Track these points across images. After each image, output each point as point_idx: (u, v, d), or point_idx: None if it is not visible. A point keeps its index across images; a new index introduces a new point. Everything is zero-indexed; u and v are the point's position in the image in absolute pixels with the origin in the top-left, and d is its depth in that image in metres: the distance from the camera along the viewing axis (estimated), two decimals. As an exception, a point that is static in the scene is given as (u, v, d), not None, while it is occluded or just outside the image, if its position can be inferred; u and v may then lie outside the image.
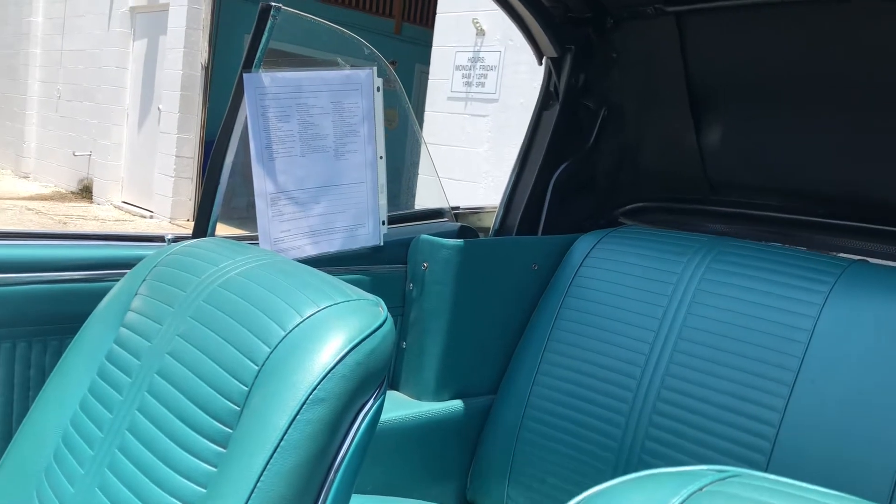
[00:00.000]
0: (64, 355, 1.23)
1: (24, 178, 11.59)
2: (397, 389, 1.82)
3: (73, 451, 1.10)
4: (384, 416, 1.66)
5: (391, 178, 1.74)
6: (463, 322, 1.77)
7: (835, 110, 1.65)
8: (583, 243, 1.86)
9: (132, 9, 9.45)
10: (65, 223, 8.22)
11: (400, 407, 1.75)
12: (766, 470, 1.40)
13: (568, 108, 1.91)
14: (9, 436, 1.23)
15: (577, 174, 1.96)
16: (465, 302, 1.76)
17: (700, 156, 1.87)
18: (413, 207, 2.01)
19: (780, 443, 1.40)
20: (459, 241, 1.74)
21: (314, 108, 1.53)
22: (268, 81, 1.49)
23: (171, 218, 8.52)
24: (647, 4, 1.71)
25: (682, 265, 1.66)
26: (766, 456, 1.41)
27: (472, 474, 1.84)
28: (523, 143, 1.96)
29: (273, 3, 1.48)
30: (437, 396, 1.78)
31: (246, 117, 1.50)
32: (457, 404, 1.80)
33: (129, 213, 9.25)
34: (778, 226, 1.86)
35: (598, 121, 1.95)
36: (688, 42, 1.73)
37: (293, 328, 0.97)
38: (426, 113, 6.18)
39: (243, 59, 1.47)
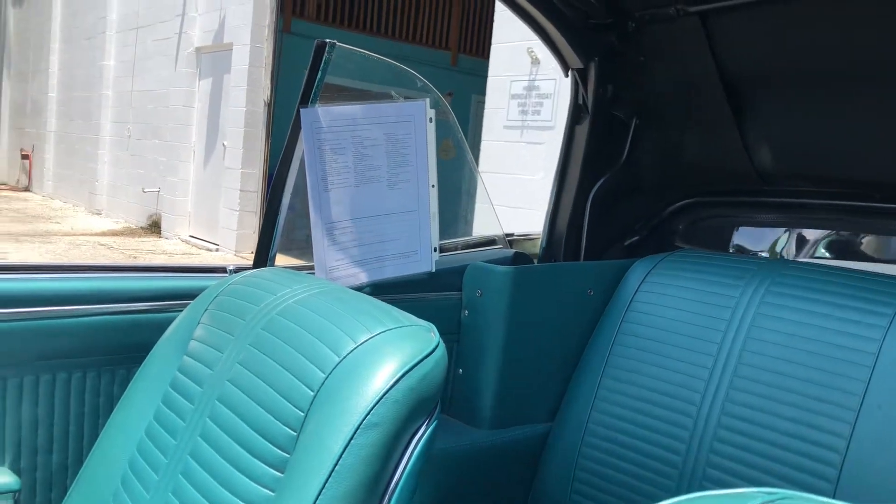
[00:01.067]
0: (131, 384, 1.28)
1: (97, 214, 12.04)
2: (453, 416, 1.83)
3: (139, 477, 1.14)
4: (440, 443, 1.67)
5: (448, 206, 1.76)
6: (518, 348, 1.77)
7: (881, 94, 1.61)
8: (638, 268, 1.84)
9: (198, 49, 9.80)
10: (135, 257, 8.50)
11: (456, 434, 1.75)
12: (832, 497, 1.36)
13: (599, 120, 1.89)
14: (81, 463, 1.28)
15: (616, 186, 1.94)
16: (520, 328, 1.76)
17: (745, 149, 1.83)
18: (469, 235, 2.02)
19: (847, 469, 1.36)
20: (512, 268, 1.75)
21: (368, 140, 1.57)
22: (323, 116, 1.54)
23: (236, 251, 8.73)
24: (669, 5, 1.68)
25: (739, 289, 1.64)
26: (833, 483, 1.37)
27: (532, 501, 1.82)
28: (559, 162, 1.95)
29: (328, 41, 1.53)
30: (494, 424, 1.78)
31: (303, 150, 1.54)
32: (513, 432, 1.79)
33: (196, 246, 9.51)
34: (834, 213, 1.82)
35: (631, 130, 1.92)
36: (716, 40, 1.69)
37: (347, 354, 0.99)
38: (482, 142, 6.23)
39: (300, 94, 1.52)
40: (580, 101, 1.89)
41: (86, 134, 12.69)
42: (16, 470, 1.36)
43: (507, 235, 2.00)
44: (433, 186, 1.68)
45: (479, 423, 1.78)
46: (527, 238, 2.07)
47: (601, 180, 1.91)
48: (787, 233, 2.00)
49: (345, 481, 0.91)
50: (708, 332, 1.63)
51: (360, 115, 1.57)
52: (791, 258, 1.95)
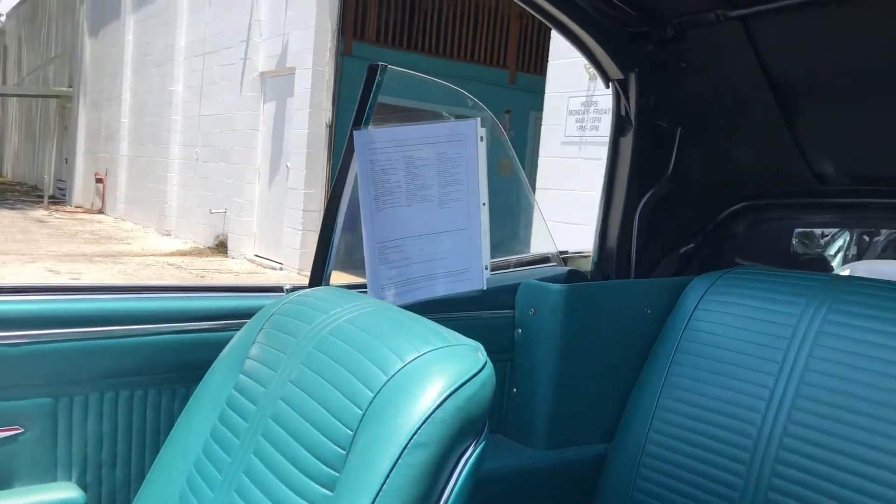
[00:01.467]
0: (190, 402, 1.31)
1: (167, 235, 12.41)
2: (507, 436, 1.82)
3: (196, 494, 1.17)
4: (494, 464, 1.66)
5: (503, 224, 1.76)
6: (573, 367, 1.75)
7: None
8: (697, 286, 1.81)
9: (262, 74, 10.06)
10: (202, 276, 8.73)
11: (510, 454, 1.74)
12: None
13: (643, 130, 1.85)
14: (144, 478, 1.32)
15: (665, 196, 1.90)
16: (575, 347, 1.75)
17: (799, 151, 1.77)
18: (524, 253, 2.02)
19: None
20: (566, 286, 1.73)
21: (419, 160, 1.59)
22: (376, 137, 1.56)
23: (299, 269, 8.88)
24: (709, 11, 1.64)
25: (801, 307, 1.59)
26: None
27: None
28: (605, 176, 1.92)
29: (380, 63, 1.55)
30: (548, 444, 1.76)
31: (356, 171, 1.57)
32: (568, 452, 1.77)
33: (261, 265, 9.71)
34: (893, 212, 1.76)
35: (677, 139, 1.88)
36: (760, 43, 1.64)
37: (395, 373, 1.00)
38: (540, 158, 6.22)
39: (353, 116, 1.55)
40: (623, 113, 1.86)
41: (156, 157, 13.13)
42: (82, 485, 1.40)
43: (561, 253, 1.99)
44: (484, 204, 1.68)
45: (534, 444, 1.77)
46: (581, 255, 2.05)
47: (649, 192, 1.88)
48: (847, 234, 1.94)
49: (392, 501, 0.91)
50: (769, 350, 1.59)
51: (411, 135, 1.58)
52: (851, 260, 1.89)
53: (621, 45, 1.78)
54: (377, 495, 0.91)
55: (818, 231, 2.03)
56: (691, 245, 2.01)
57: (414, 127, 1.60)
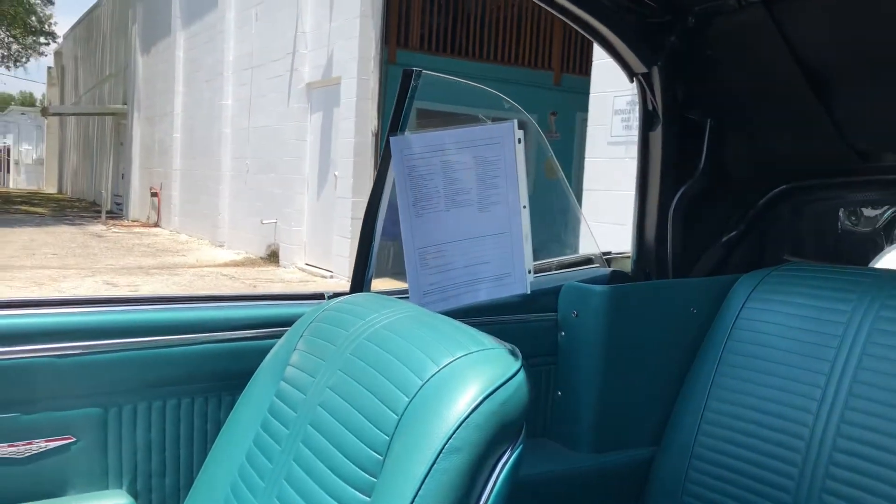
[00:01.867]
0: (234, 409, 1.33)
1: (220, 246, 12.65)
2: (553, 440, 1.80)
3: (239, 501, 1.18)
4: (540, 468, 1.64)
5: (545, 226, 1.74)
6: (618, 370, 1.72)
7: None
8: (743, 284, 1.76)
9: (308, 85, 10.19)
10: (254, 286, 8.86)
11: (556, 458, 1.72)
12: None
13: (673, 124, 1.80)
14: (191, 487, 1.34)
15: (701, 188, 1.85)
16: (620, 349, 1.72)
17: (838, 130, 1.70)
18: (567, 255, 2.00)
19: None
20: (609, 287, 1.71)
21: (457, 164, 1.58)
22: (413, 142, 1.56)
23: (348, 276, 8.94)
24: None
25: (852, 303, 1.54)
26: None
27: None
28: (637, 173, 1.87)
29: (415, 69, 1.55)
30: (594, 447, 1.74)
31: (394, 177, 1.57)
32: (615, 456, 1.74)
33: (312, 274, 9.82)
34: None
35: (707, 132, 1.82)
36: (786, 25, 1.58)
37: (429, 378, 0.99)
38: (587, 159, 6.16)
39: (389, 122, 1.56)
40: (650, 108, 1.81)
41: (207, 170, 13.40)
42: (132, 492, 1.43)
43: (605, 254, 1.96)
44: (525, 207, 1.67)
45: (579, 447, 1.74)
46: (624, 256, 2.02)
47: (684, 186, 1.83)
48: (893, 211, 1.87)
49: None
50: (820, 349, 1.54)
51: (448, 139, 1.58)
52: None
53: (643, 39, 1.73)
54: (413, 501, 0.90)
55: (866, 210, 1.96)
56: (733, 233, 1.94)
57: (450, 131, 1.59)
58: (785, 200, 1.93)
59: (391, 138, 1.54)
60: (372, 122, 8.88)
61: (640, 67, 1.77)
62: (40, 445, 1.36)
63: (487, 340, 1.05)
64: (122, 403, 1.42)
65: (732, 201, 1.95)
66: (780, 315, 1.65)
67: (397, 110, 1.55)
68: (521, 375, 1.00)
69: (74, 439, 1.39)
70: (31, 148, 34.20)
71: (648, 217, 1.87)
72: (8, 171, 35.92)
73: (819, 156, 1.83)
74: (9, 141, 36.03)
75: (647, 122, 1.83)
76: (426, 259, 1.57)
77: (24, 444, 1.35)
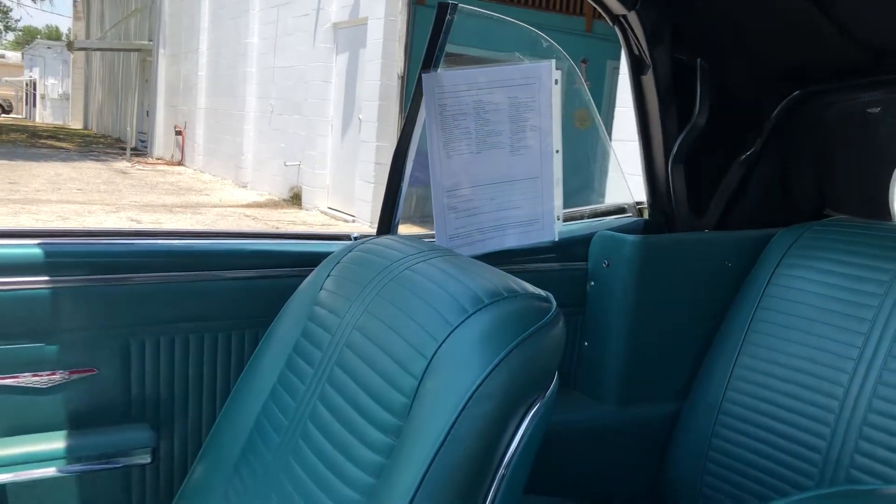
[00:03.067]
0: (259, 347, 1.31)
1: (243, 187, 12.66)
2: (578, 390, 1.78)
3: (263, 438, 1.17)
4: (563, 417, 1.62)
5: (577, 174, 1.69)
6: (647, 322, 1.69)
7: None
8: (781, 239, 1.71)
9: (335, 25, 10.03)
10: (277, 228, 8.88)
11: (581, 409, 1.70)
12: None
13: (663, 66, 1.68)
14: (214, 421, 1.33)
15: (706, 122, 1.73)
16: (650, 301, 1.68)
17: (844, 32, 1.60)
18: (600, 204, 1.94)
19: None
20: (643, 237, 1.66)
21: (490, 105, 1.53)
22: (445, 80, 1.50)
23: (370, 222, 8.94)
24: None
25: (894, 261, 1.48)
26: None
27: (658, 484, 1.75)
28: (637, 122, 1.78)
29: (450, 2, 1.49)
30: (620, 400, 1.71)
31: (424, 116, 1.52)
32: (640, 409, 1.72)
33: (334, 218, 9.81)
34: None
35: (699, 70, 1.70)
36: None
37: (461, 322, 0.96)
38: (616, 109, 6.04)
39: (422, 58, 1.50)
40: (636, 52, 1.70)
41: (232, 110, 13.33)
42: (154, 426, 1.43)
43: (638, 204, 1.91)
44: (557, 152, 1.61)
45: (605, 399, 1.72)
46: (659, 206, 1.97)
47: (688, 123, 1.72)
48: None
49: (457, 451, 0.88)
50: (859, 308, 1.49)
51: (482, 78, 1.52)
52: None
53: None
54: (441, 445, 0.88)
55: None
56: (751, 151, 1.84)
57: (485, 69, 1.53)
58: (800, 109, 1.83)
59: (423, 75, 1.49)
60: (398, 65, 8.75)
61: (620, 9, 1.65)
62: (64, 376, 1.36)
63: (520, 286, 1.01)
64: (145, 337, 1.41)
65: (743, 120, 1.84)
66: (818, 272, 1.60)
67: (431, 45, 1.49)
68: (556, 322, 0.97)
69: (97, 371, 1.39)
70: (56, 82, 34.23)
71: (657, 162, 1.79)
72: (34, 106, 36.04)
73: (829, 60, 1.71)
74: (35, 75, 36.08)
75: (636, 67, 1.72)
76: (454, 202, 1.53)
77: (47, 375, 1.35)
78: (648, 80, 1.70)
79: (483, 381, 0.90)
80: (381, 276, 1.16)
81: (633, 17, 1.63)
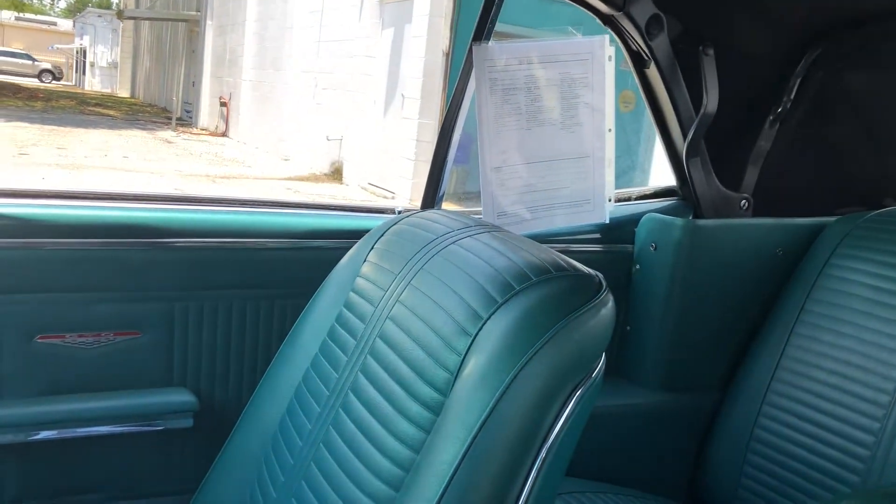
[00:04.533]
0: (300, 317, 1.31)
1: (285, 160, 12.74)
2: (619, 374, 1.75)
3: (303, 408, 1.17)
4: (604, 401, 1.60)
5: (623, 155, 1.65)
6: (692, 309, 1.65)
7: None
8: (836, 228, 1.66)
9: (381, 0, 10.00)
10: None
11: (620, 393, 1.68)
12: None
13: (665, 58, 1.59)
14: (254, 389, 1.33)
15: (725, 98, 1.63)
16: (696, 287, 1.64)
17: None
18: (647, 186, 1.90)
19: None
20: (692, 221, 1.62)
21: (542, 80, 1.50)
22: (497, 53, 1.48)
23: (410, 199, 8.94)
24: None
25: None
26: None
27: (698, 473, 1.72)
28: (652, 116, 1.69)
29: None
30: (661, 386, 1.68)
31: (473, 91, 1.50)
32: (681, 397, 1.69)
33: (374, 194, 9.83)
34: None
35: (703, 56, 1.60)
36: None
37: (506, 300, 0.94)
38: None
39: (473, 31, 1.47)
40: (634, 48, 1.61)
41: (276, 83, 13.40)
42: (195, 391, 1.44)
43: (686, 186, 1.86)
44: (610, 131, 1.58)
45: (646, 384, 1.69)
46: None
47: (703, 105, 1.61)
48: None
49: (498, 431, 0.87)
50: None
51: (534, 52, 1.49)
52: None
53: None
54: (483, 424, 0.87)
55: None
56: (780, 110, 1.75)
57: (537, 43, 1.50)
58: (828, 69, 1.73)
59: (474, 47, 1.46)
60: (443, 42, 8.69)
61: (608, 10, 1.56)
62: (109, 338, 1.37)
63: (570, 265, 0.99)
64: (188, 302, 1.42)
65: (766, 80, 1.76)
66: (873, 264, 1.55)
67: (483, 16, 1.46)
68: (606, 303, 0.94)
69: (141, 334, 1.40)
70: (105, 51, 34.70)
71: (677, 146, 1.72)
72: (83, 73, 36.61)
73: (845, 8, 1.62)
74: (85, 43, 36.61)
75: (637, 61, 1.64)
76: (502, 179, 1.51)
77: (92, 336, 1.36)
78: (652, 72, 1.65)
79: (528, 361, 0.88)
80: (426, 250, 1.14)
81: (622, 17, 1.56)
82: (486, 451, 0.86)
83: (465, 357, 0.94)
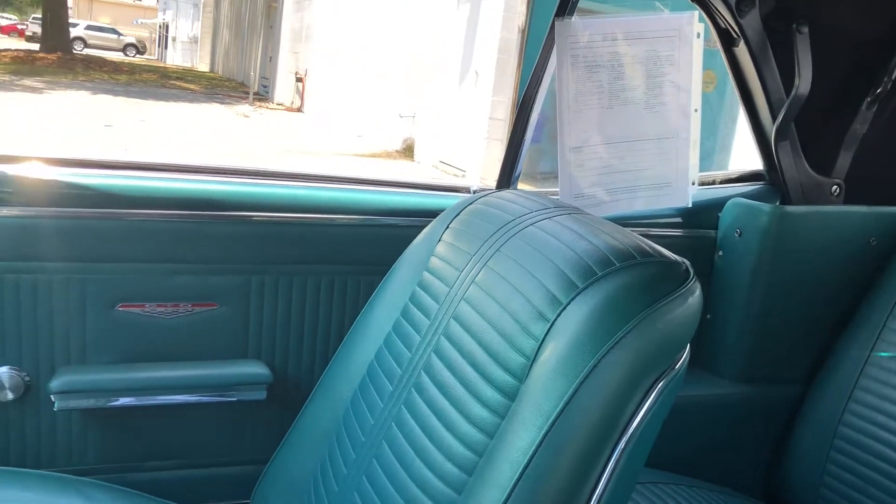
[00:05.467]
0: (374, 294, 1.30)
1: (359, 136, 12.83)
2: (697, 364, 1.70)
3: (375, 386, 1.16)
4: (681, 391, 1.55)
5: (709, 137, 1.58)
6: (777, 298, 1.59)
7: None
8: None
9: (457, -25, 9.92)
10: (388, 178, 8.97)
11: (699, 383, 1.63)
12: None
13: (755, 34, 1.50)
14: (326, 364, 1.34)
15: (818, 79, 1.55)
16: (782, 276, 1.57)
17: None
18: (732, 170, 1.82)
19: None
20: (780, 207, 1.55)
21: (626, 57, 1.45)
22: (580, 29, 1.43)
23: (481, 177, 8.90)
24: None
25: None
26: None
27: (777, 468, 1.66)
28: (739, 97, 1.62)
29: None
30: (741, 378, 1.62)
31: (554, 67, 1.46)
32: (762, 389, 1.63)
33: (445, 171, 9.83)
34: None
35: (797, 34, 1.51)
36: None
37: (587, 285, 0.91)
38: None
39: (556, 6, 1.43)
40: (722, 26, 1.54)
41: (351, 59, 13.47)
42: (270, 364, 1.46)
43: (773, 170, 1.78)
44: (696, 111, 1.52)
45: (726, 375, 1.64)
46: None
47: (794, 86, 1.53)
48: None
49: (577, 419, 0.84)
50: None
51: (619, 28, 1.44)
52: None
53: None
54: (561, 412, 0.84)
55: None
56: (878, 91, 1.63)
57: (622, 19, 1.45)
58: None
59: (557, 22, 1.42)
60: (520, 18, 8.57)
61: None
62: (186, 309, 1.40)
63: (655, 250, 0.95)
64: (264, 276, 1.43)
65: (864, 58, 1.64)
66: None
67: None
68: (692, 292, 0.90)
69: (217, 306, 1.42)
70: (187, 25, 35.50)
71: (766, 128, 1.63)
72: (165, 48, 37.58)
73: None
74: (168, 18, 37.54)
75: (726, 40, 1.56)
76: (582, 159, 1.47)
77: (171, 306, 1.39)
78: (741, 50, 1.56)
79: (610, 349, 0.85)
80: (504, 231, 1.12)
81: None
82: (564, 439, 0.84)
83: (542, 342, 0.92)
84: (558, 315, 0.91)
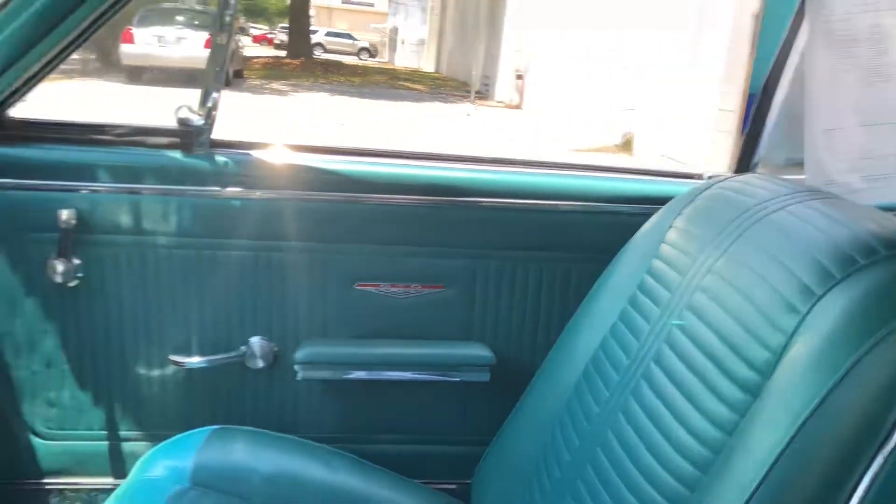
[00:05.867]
0: (598, 282, 1.27)
1: (577, 132, 12.74)
2: None
3: (600, 374, 1.13)
4: None
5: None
6: None
7: None
8: None
9: (686, -38, 9.53)
10: (607, 173, 8.83)
11: None
12: None
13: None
14: (548, 349, 1.33)
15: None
16: None
17: None
18: None
19: None
20: None
21: (892, 28, 1.30)
22: (835, 1, 1.30)
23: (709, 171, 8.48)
24: None
25: None
26: None
27: None
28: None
29: None
30: None
31: (804, 43, 1.34)
32: None
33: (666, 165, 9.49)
34: None
35: None
36: None
37: (846, 276, 0.82)
38: None
39: None
40: None
41: (567, 51, 13.38)
42: (493, 347, 1.48)
43: None
44: (976, 87, 1.33)
45: None
46: None
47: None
48: None
49: (831, 422, 0.76)
50: None
51: (884, -3, 1.29)
52: None
53: None
54: (812, 413, 0.76)
55: None
56: None
57: (890, -13, 1.30)
58: None
59: (809, -4, 1.30)
60: (754, 3, 8.05)
61: None
62: (416, 290, 1.45)
63: None
64: (489, 261, 1.46)
65: None
66: None
67: None
68: None
69: (444, 288, 1.46)
70: (415, 28, 37.10)
71: None
72: (394, 50, 39.54)
73: None
74: (398, 22, 39.46)
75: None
76: (835, 143, 1.34)
77: (402, 286, 1.45)
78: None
79: (873, 347, 0.76)
80: (745, 218, 1.04)
81: None
82: (815, 442, 0.76)
83: (792, 336, 0.84)
84: (812, 307, 0.83)
